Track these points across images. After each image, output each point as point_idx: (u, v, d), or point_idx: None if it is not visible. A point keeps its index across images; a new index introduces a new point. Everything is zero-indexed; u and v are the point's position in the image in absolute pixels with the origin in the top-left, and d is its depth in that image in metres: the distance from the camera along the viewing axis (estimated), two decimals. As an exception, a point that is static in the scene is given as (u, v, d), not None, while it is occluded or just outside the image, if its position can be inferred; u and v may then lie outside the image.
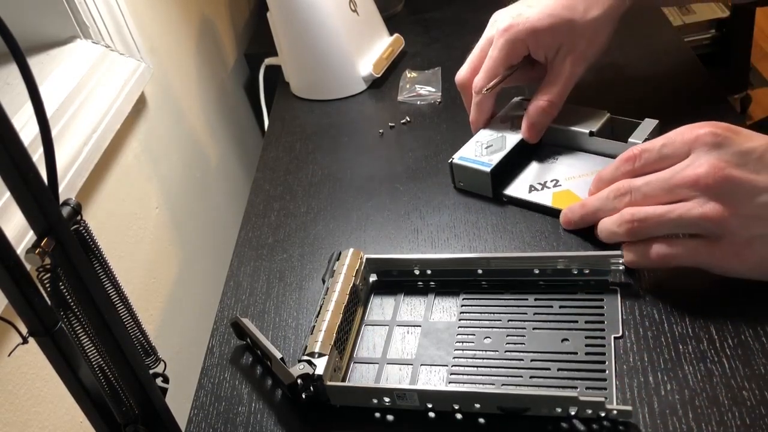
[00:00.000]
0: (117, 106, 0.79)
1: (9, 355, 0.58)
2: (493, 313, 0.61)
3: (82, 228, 0.43)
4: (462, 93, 0.80)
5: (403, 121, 0.92)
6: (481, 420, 0.53)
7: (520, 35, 0.71)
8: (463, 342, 0.59)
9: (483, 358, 0.58)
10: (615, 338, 0.56)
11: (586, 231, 0.67)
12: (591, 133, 0.74)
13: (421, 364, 0.59)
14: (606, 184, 0.61)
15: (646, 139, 0.71)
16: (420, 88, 0.97)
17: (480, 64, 0.75)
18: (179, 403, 0.65)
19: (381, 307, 0.65)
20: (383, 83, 1.03)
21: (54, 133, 0.70)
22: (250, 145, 1.30)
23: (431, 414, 0.54)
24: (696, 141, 0.54)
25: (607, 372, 0.54)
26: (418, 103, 0.96)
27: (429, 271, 0.65)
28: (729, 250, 0.54)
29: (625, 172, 0.59)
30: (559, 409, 0.51)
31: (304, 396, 0.56)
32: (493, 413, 0.53)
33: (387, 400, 0.54)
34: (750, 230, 0.53)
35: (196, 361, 0.66)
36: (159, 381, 0.51)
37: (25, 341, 0.43)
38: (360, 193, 0.81)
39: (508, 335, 0.59)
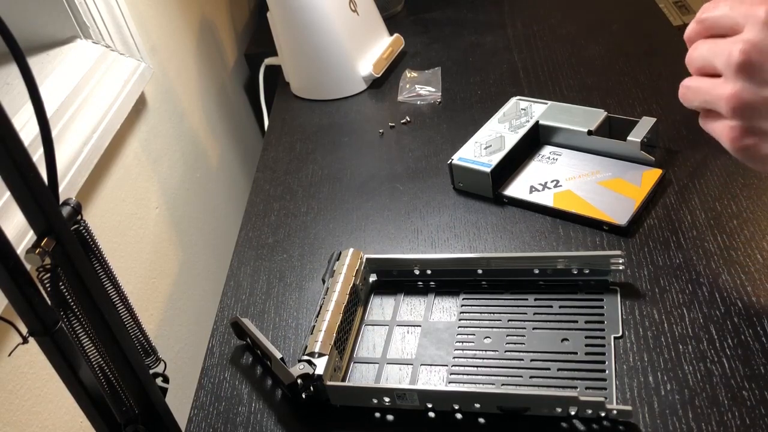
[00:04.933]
0: (117, 106, 0.80)
1: (9, 355, 0.58)
2: (493, 313, 0.61)
3: (82, 228, 0.43)
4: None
5: (403, 121, 0.92)
6: (481, 420, 0.53)
7: None
8: (463, 342, 0.59)
9: (483, 358, 0.58)
10: (615, 338, 0.56)
11: (585, 230, 0.67)
12: (589, 132, 0.74)
13: (421, 364, 0.59)
14: (687, 36, 0.58)
15: (644, 138, 0.71)
16: (420, 88, 0.97)
17: None
18: (179, 403, 0.65)
19: (381, 307, 0.65)
20: (383, 83, 1.03)
21: (54, 133, 0.70)
22: (250, 145, 1.30)
23: (431, 414, 0.54)
24: (752, 16, 0.51)
25: (607, 372, 0.54)
26: (418, 103, 0.96)
27: (429, 271, 0.65)
28: (733, 133, 0.52)
29: (697, 18, 0.56)
30: (559, 409, 0.51)
31: (304, 396, 0.56)
32: (493, 413, 0.53)
33: (387, 400, 0.54)
34: (759, 123, 0.51)
35: (196, 361, 0.66)
36: (159, 381, 0.51)
37: (25, 341, 0.43)
38: (360, 193, 0.81)
39: (508, 335, 0.59)
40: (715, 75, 0.53)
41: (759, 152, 0.52)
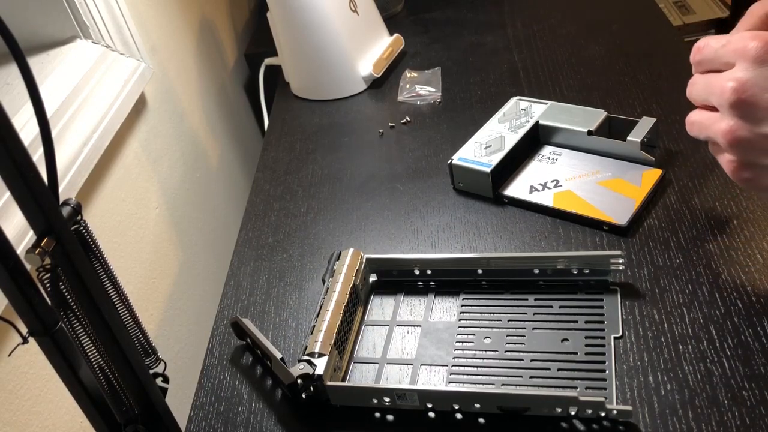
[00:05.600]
0: (117, 106, 0.79)
1: (9, 355, 0.58)
2: (493, 313, 0.61)
3: (82, 228, 0.43)
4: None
5: (403, 121, 0.92)
6: (481, 420, 0.53)
7: None
8: (463, 342, 0.59)
9: (483, 358, 0.58)
10: (615, 338, 0.56)
11: (585, 230, 0.67)
12: (589, 132, 0.74)
13: (421, 364, 0.59)
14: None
15: (644, 138, 0.71)
16: (420, 88, 0.97)
17: None
18: (179, 403, 0.65)
19: (381, 307, 0.65)
20: (383, 83, 1.03)
21: (54, 133, 0.70)
22: (250, 145, 1.30)
23: (431, 414, 0.54)
24: (743, 53, 0.52)
25: (607, 372, 0.54)
26: (418, 103, 0.96)
27: (429, 271, 0.65)
28: (732, 167, 0.54)
29: (692, 60, 0.58)
30: (559, 409, 0.51)
31: (304, 396, 0.56)
32: (493, 413, 0.53)
33: (387, 400, 0.54)
34: (755, 158, 0.52)
35: (196, 361, 0.66)
36: (159, 381, 0.51)
37: (25, 341, 0.43)
38: (360, 193, 0.81)
39: (508, 335, 0.59)
40: (715, 109, 0.55)
41: (759, 184, 0.54)
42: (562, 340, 0.57)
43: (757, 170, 0.53)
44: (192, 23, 1.12)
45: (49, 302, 0.42)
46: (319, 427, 0.56)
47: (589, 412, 0.50)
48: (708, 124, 0.55)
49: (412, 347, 0.60)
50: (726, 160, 0.54)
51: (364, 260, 0.65)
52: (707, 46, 0.56)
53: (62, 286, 0.41)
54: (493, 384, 0.55)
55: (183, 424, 0.57)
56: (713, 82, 0.53)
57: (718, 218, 0.65)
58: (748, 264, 0.60)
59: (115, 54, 0.84)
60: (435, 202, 0.76)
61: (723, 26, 1.67)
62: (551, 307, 0.60)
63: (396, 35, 1.09)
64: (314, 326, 0.59)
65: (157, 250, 0.88)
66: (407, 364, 0.59)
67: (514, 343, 0.58)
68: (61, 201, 0.41)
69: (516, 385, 0.55)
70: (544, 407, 0.51)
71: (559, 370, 0.55)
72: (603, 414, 0.50)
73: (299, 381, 0.55)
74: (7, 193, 0.38)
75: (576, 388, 0.53)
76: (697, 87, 0.56)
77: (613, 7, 1.08)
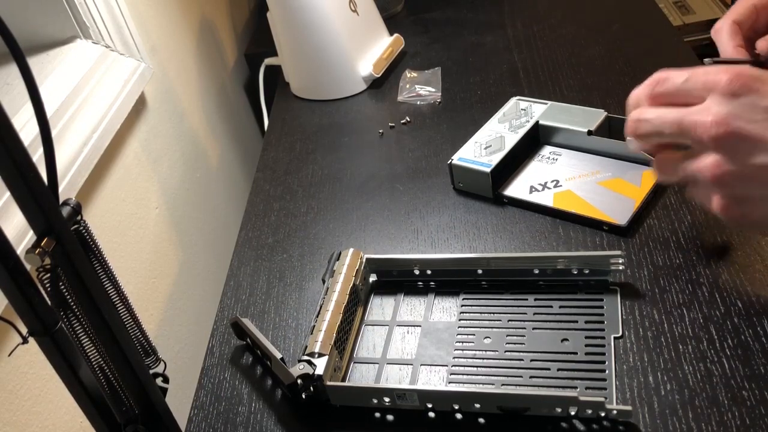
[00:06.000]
0: (117, 106, 0.79)
1: (9, 355, 0.58)
2: (493, 313, 0.61)
3: (82, 228, 0.43)
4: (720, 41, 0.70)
5: (403, 121, 0.92)
6: (481, 420, 0.53)
7: None
8: (463, 342, 0.59)
9: (483, 358, 0.58)
10: (615, 338, 0.56)
11: (585, 230, 0.67)
12: (589, 132, 0.74)
13: (421, 364, 0.59)
14: (632, 102, 0.59)
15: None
16: (420, 88, 0.97)
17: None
18: (179, 403, 0.65)
19: (381, 307, 0.65)
20: (383, 83, 1.03)
21: (54, 133, 0.70)
22: (250, 145, 1.30)
23: (431, 414, 0.54)
24: (715, 86, 0.51)
25: (607, 372, 0.54)
26: (418, 103, 0.96)
27: (429, 271, 0.65)
28: (721, 204, 0.52)
29: (647, 93, 0.57)
30: (559, 409, 0.51)
31: (304, 396, 0.56)
32: (493, 413, 0.53)
33: (387, 400, 0.54)
34: (743, 190, 0.51)
35: (196, 361, 0.66)
36: (159, 381, 0.51)
37: (25, 341, 0.43)
38: (360, 193, 0.81)
39: (508, 335, 0.59)
40: (684, 147, 0.53)
41: (752, 217, 0.52)
42: (562, 340, 0.57)
43: (748, 204, 0.51)
44: (192, 23, 1.12)
45: (49, 302, 0.42)
46: (319, 427, 0.56)
47: (589, 412, 0.50)
48: (684, 163, 0.53)
49: (412, 347, 0.60)
50: (715, 199, 0.53)
51: (364, 260, 0.65)
52: (668, 79, 0.55)
53: (62, 286, 0.41)
54: (493, 384, 0.55)
55: (183, 424, 0.57)
56: (686, 119, 0.52)
57: (718, 218, 0.65)
58: (748, 264, 0.60)
59: (115, 54, 0.84)
60: (435, 202, 0.76)
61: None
62: (551, 307, 0.60)
63: (396, 35, 1.09)
64: (314, 326, 0.59)
65: (157, 250, 0.88)
66: (407, 364, 0.59)
67: (514, 343, 0.58)
68: (61, 201, 0.41)
69: (516, 385, 0.55)
70: (544, 407, 0.51)
71: (559, 370, 0.55)
72: (603, 414, 0.50)
73: (299, 381, 0.55)
74: (7, 193, 0.38)
75: (576, 388, 0.53)
76: (658, 123, 0.54)
77: (613, 7, 1.08)
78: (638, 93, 0.58)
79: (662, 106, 0.55)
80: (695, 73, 0.53)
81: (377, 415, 0.55)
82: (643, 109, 0.56)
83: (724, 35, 0.66)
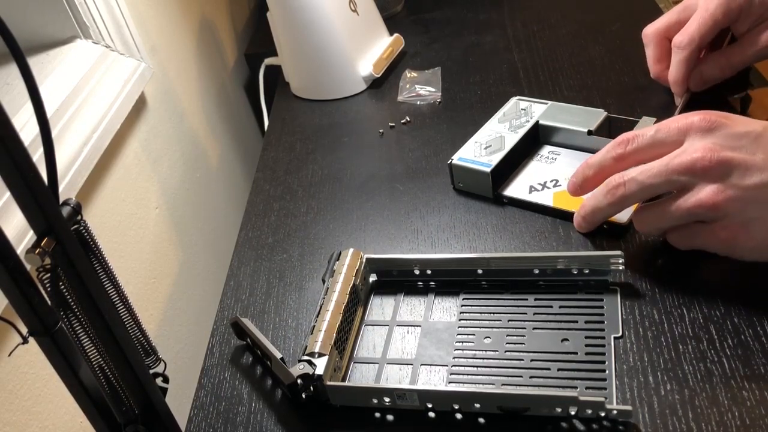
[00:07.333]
0: (117, 106, 0.80)
1: (9, 355, 0.58)
2: (493, 313, 0.61)
3: (82, 228, 0.43)
4: (649, 46, 0.78)
5: (403, 121, 0.92)
6: (481, 420, 0.53)
7: None
8: (463, 342, 0.59)
9: (483, 358, 0.58)
10: (615, 338, 0.56)
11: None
12: (589, 132, 0.74)
13: (421, 364, 0.59)
14: (594, 170, 0.61)
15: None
16: (420, 88, 0.97)
17: (679, 20, 0.73)
18: (179, 403, 0.65)
19: (381, 307, 0.65)
20: (383, 83, 1.03)
21: (54, 133, 0.70)
22: (250, 145, 1.30)
23: (431, 414, 0.54)
24: (690, 128, 0.54)
25: (607, 372, 0.54)
26: (418, 103, 0.96)
27: (429, 271, 0.65)
28: (726, 233, 0.54)
29: (615, 156, 0.58)
30: (559, 409, 0.51)
31: (304, 396, 0.56)
32: (493, 413, 0.53)
33: (387, 400, 0.54)
34: (746, 213, 0.53)
35: (196, 361, 0.66)
36: (159, 381, 0.51)
37: (25, 341, 0.43)
38: (360, 193, 0.81)
39: (508, 335, 0.59)
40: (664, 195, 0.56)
41: (755, 239, 0.54)
42: (562, 340, 0.57)
43: (753, 226, 0.53)
44: (192, 23, 1.12)
45: (49, 302, 0.42)
46: (319, 427, 0.56)
47: (589, 412, 0.50)
48: (678, 204, 0.54)
49: (412, 347, 0.60)
50: (719, 230, 0.54)
51: (364, 260, 0.65)
52: (638, 136, 0.57)
53: (62, 286, 0.41)
54: (493, 384, 0.55)
55: (183, 424, 0.57)
56: (673, 162, 0.54)
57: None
58: (748, 264, 0.60)
59: (115, 54, 0.84)
60: (435, 202, 0.76)
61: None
62: (551, 307, 0.60)
63: (396, 35, 1.09)
64: (314, 326, 0.59)
65: (157, 250, 0.88)
66: (407, 364, 0.59)
67: (514, 343, 0.58)
68: (61, 201, 0.41)
69: (516, 385, 0.55)
70: (544, 407, 0.51)
71: (559, 370, 0.55)
72: (603, 414, 0.50)
73: (299, 381, 0.55)
74: (7, 193, 0.38)
75: (576, 388, 0.53)
76: (644, 177, 0.55)
77: (613, 7, 1.08)
78: (599, 160, 0.60)
79: (636, 164, 0.57)
80: (663, 124, 0.56)
81: (377, 415, 0.55)
82: (621, 173, 0.58)
83: (650, 49, 0.77)
